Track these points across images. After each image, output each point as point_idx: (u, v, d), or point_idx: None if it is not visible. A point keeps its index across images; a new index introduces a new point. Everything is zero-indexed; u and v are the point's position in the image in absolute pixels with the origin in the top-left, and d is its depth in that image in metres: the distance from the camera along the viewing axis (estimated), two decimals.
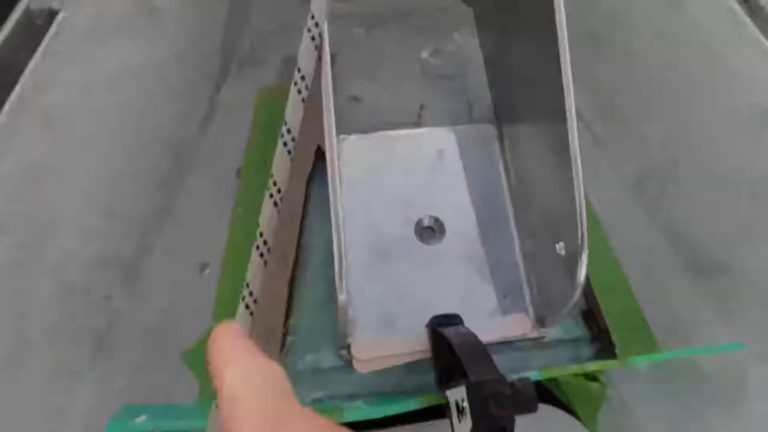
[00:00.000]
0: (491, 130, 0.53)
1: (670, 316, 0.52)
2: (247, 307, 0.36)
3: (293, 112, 0.38)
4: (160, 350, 0.48)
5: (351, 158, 0.51)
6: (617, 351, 0.47)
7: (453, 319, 0.45)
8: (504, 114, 0.52)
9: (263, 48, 0.65)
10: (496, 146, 0.52)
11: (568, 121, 0.39)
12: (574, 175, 0.40)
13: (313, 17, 0.38)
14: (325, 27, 0.39)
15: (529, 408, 0.31)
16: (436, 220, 0.49)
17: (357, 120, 0.53)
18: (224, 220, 0.51)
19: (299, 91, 0.37)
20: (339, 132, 0.53)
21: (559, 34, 0.39)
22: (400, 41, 0.58)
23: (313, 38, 0.38)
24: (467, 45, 0.58)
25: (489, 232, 0.49)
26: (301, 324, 0.47)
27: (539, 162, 0.46)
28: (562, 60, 0.39)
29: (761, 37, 0.45)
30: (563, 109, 0.39)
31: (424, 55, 0.58)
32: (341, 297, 0.38)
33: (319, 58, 0.39)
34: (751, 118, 0.47)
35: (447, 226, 0.49)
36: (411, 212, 0.49)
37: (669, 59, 0.50)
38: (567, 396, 0.51)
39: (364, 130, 0.53)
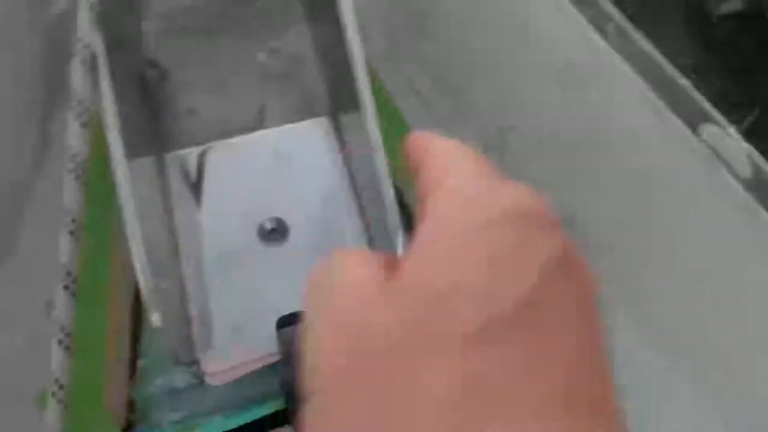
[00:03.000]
0: (327, 123, 0.53)
1: None
2: (63, 345, 0.36)
3: (77, 137, 0.37)
4: None
5: (182, 174, 0.50)
6: None
7: (300, 318, 0.45)
8: (339, 105, 0.52)
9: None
10: (334, 139, 0.52)
11: (362, 108, 0.40)
12: (378, 162, 0.41)
13: (80, 40, 0.37)
14: (100, 48, 0.38)
15: None
16: (279, 221, 0.49)
17: (193, 133, 0.52)
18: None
19: (77, 116, 0.37)
20: (176, 147, 0.52)
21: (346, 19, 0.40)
22: (235, 47, 0.57)
23: (83, 61, 0.37)
24: (301, 41, 0.57)
25: (334, 225, 0.49)
26: (151, 347, 0.46)
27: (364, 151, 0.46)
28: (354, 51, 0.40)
29: None
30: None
31: (260, 57, 0.57)
32: (154, 318, 0.37)
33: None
34: (563, 75, 0.48)
35: (290, 226, 0.49)
36: (252, 217, 0.49)
37: (482, 26, 0.50)
38: None
39: (200, 142, 0.52)
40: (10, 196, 0.53)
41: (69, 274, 0.36)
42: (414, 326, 0.15)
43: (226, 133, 0.53)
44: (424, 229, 0.18)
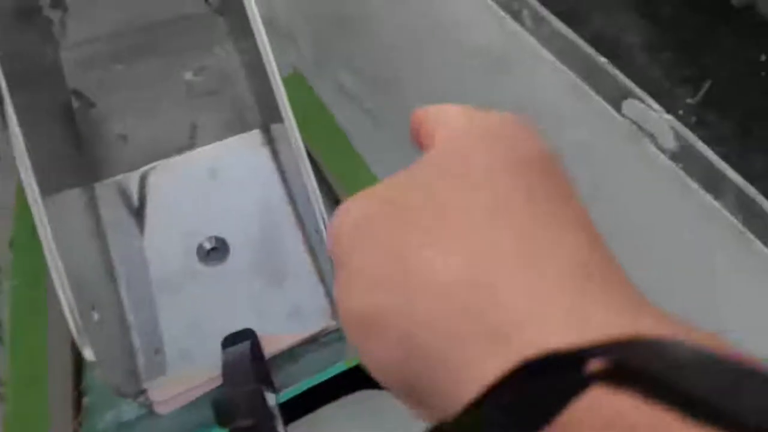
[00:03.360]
0: (259, 136, 0.52)
1: None
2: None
3: None
4: None
5: (116, 201, 0.49)
6: None
7: (245, 336, 0.45)
8: (270, 117, 0.52)
9: None
10: (267, 151, 0.52)
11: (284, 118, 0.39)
12: (303, 171, 0.40)
13: None
14: (4, 86, 0.37)
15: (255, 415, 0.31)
16: (218, 239, 0.48)
17: (125, 159, 0.51)
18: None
19: None
20: (109, 175, 0.51)
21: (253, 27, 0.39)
22: (162, 68, 0.56)
23: None
24: (228, 57, 0.57)
25: (274, 237, 0.49)
26: (96, 383, 0.45)
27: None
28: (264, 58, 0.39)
29: None
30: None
31: (187, 76, 0.56)
32: (87, 353, 0.36)
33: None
34: (485, 62, 0.48)
35: (230, 243, 0.48)
36: (190, 238, 0.48)
37: (403, 24, 0.50)
38: None
39: (132, 168, 0.51)
40: None
41: None
42: (440, 169, 0.19)
43: (160, 156, 0.52)
44: (439, 137, 0.21)
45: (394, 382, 0.18)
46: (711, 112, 1.73)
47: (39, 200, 0.36)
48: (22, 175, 0.36)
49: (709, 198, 0.42)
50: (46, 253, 0.36)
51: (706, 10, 1.91)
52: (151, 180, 0.51)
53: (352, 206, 0.19)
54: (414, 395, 0.17)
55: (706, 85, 1.76)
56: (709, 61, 1.84)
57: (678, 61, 2.11)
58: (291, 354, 0.46)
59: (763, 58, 1.81)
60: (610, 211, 0.47)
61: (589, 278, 0.16)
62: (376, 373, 0.18)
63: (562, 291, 0.15)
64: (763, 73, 1.75)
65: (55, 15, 0.52)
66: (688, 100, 1.76)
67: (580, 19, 1.91)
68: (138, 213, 0.50)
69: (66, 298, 0.36)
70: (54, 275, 0.36)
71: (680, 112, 1.71)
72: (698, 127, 1.65)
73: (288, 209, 0.49)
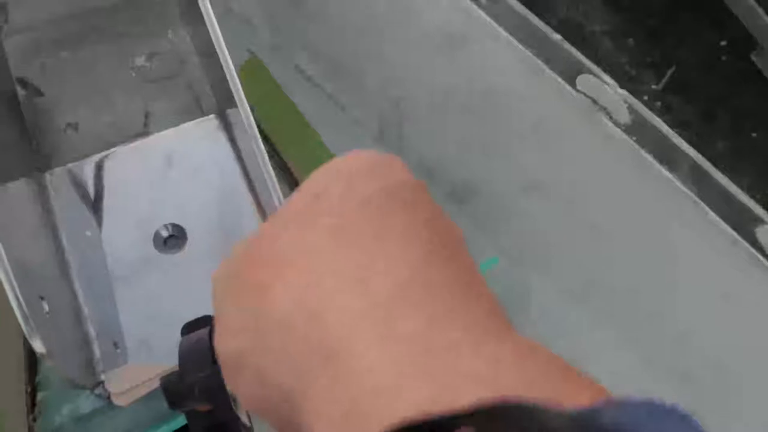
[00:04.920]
0: (215, 121, 0.51)
1: None
2: None
3: None
4: None
5: (69, 190, 0.48)
6: None
7: (204, 322, 0.44)
8: (225, 102, 0.51)
9: None
10: (223, 136, 0.51)
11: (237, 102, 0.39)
12: (259, 157, 0.40)
13: None
14: None
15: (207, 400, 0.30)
16: (175, 226, 0.47)
17: (76, 148, 0.50)
18: None
19: None
20: (59, 164, 0.50)
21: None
22: (111, 54, 0.55)
23: None
24: (181, 42, 0.56)
25: (233, 223, 0.48)
26: (51, 377, 0.44)
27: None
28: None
29: None
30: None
31: (139, 61, 0.55)
32: (36, 345, 0.35)
33: None
34: (442, 40, 0.48)
35: (188, 229, 0.47)
36: (147, 226, 0.47)
37: (361, 4, 0.50)
38: None
39: (84, 156, 0.50)
40: None
41: None
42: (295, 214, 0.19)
43: (113, 143, 0.51)
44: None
45: (266, 417, 0.18)
46: (675, 97, 1.76)
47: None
48: None
49: (663, 170, 0.43)
50: None
51: None
52: (104, 168, 0.49)
53: (225, 263, 0.21)
54: (287, 428, 0.18)
55: (670, 71, 1.79)
56: (672, 47, 1.87)
57: (641, 47, 2.14)
58: None
59: (723, 42, 1.84)
60: (567, 185, 0.48)
61: (434, 298, 0.16)
62: (253, 412, 0.19)
63: (396, 314, 0.15)
64: (723, 58, 1.79)
65: None
66: (653, 86, 1.79)
67: (545, 6, 1.93)
68: (93, 202, 0.49)
69: (12, 289, 0.34)
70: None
71: (645, 97, 1.73)
72: (663, 112, 1.67)
73: (247, 195, 0.48)
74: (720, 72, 1.75)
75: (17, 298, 0.35)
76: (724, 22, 1.77)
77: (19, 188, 0.44)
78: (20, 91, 0.51)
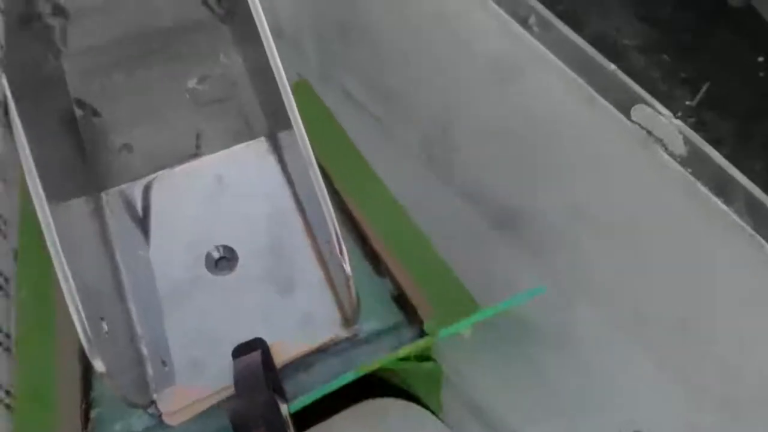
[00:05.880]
0: (266, 143, 0.52)
1: (487, 275, 0.53)
2: (2, 404, 0.34)
3: None
4: None
5: (122, 211, 0.49)
6: (433, 324, 0.47)
7: (255, 345, 0.44)
8: (276, 124, 0.52)
9: None
10: (274, 159, 0.51)
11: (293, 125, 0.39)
12: (314, 180, 0.40)
13: None
14: (9, 94, 0.37)
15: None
16: (226, 248, 0.48)
17: (130, 169, 0.51)
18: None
19: None
20: (114, 184, 0.51)
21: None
22: (165, 76, 0.56)
23: None
24: (234, 64, 0.57)
25: (283, 245, 0.49)
26: (105, 393, 0.45)
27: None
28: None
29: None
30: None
31: (191, 84, 0.56)
32: (97, 364, 0.36)
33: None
34: (492, 67, 0.48)
35: (239, 251, 0.48)
36: (198, 247, 0.48)
37: (411, 32, 0.50)
38: (407, 382, 0.51)
39: (137, 177, 0.51)
40: None
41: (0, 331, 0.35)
42: None
43: (165, 165, 0.52)
44: None
45: None
46: (710, 113, 1.73)
47: (46, 209, 0.36)
48: (29, 184, 0.36)
49: (719, 202, 0.42)
50: (55, 262, 0.35)
51: (703, 12, 1.91)
52: (156, 189, 0.51)
53: None
54: None
55: (705, 86, 1.76)
56: (707, 63, 1.84)
57: (676, 63, 2.11)
58: (302, 363, 0.46)
59: (760, 59, 1.81)
60: (618, 215, 0.47)
61: None
62: None
63: None
64: (761, 74, 1.76)
65: (55, 23, 0.52)
66: (687, 102, 1.76)
67: (577, 20, 1.91)
68: (143, 222, 0.50)
69: (76, 310, 0.35)
70: (63, 286, 0.35)
71: (679, 113, 1.70)
72: (697, 128, 1.64)
73: (297, 217, 0.49)
74: (757, 89, 1.72)
75: (81, 319, 0.36)
76: (762, 38, 1.74)
77: (80, 207, 0.45)
78: (78, 112, 0.53)
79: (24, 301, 0.49)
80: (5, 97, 0.36)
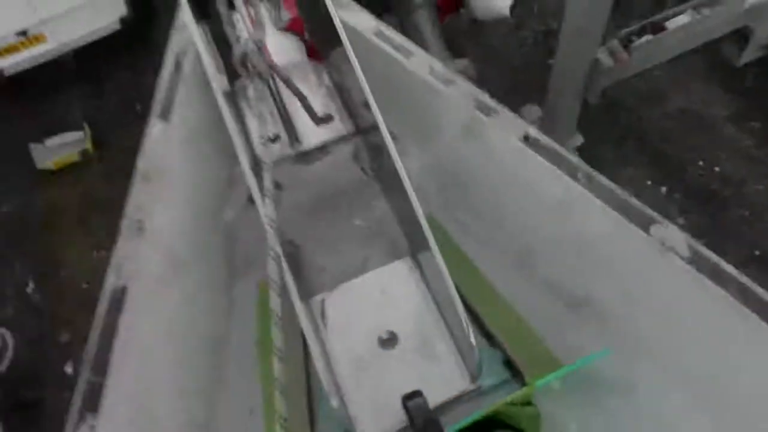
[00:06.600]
0: (410, 261, 0.79)
1: (564, 344, 0.75)
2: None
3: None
4: None
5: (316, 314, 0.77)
6: (527, 380, 0.70)
7: (417, 395, 0.69)
8: (416, 247, 0.79)
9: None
10: (417, 273, 0.78)
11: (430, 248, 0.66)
12: (448, 287, 0.66)
13: (271, 249, 0.65)
14: (275, 243, 0.66)
15: None
16: (391, 332, 0.74)
17: (324, 283, 0.80)
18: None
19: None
20: (313, 294, 0.80)
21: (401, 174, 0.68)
22: (339, 219, 0.85)
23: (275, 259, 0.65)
24: (383, 207, 0.85)
25: (428, 336, 0.74)
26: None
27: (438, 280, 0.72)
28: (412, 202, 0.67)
29: (539, 157, 0.71)
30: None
31: (357, 222, 0.85)
32: (334, 401, 0.62)
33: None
34: (552, 203, 0.73)
35: (399, 335, 0.74)
36: (372, 332, 0.75)
37: (498, 186, 0.77)
38: (516, 422, 0.74)
39: (329, 289, 0.79)
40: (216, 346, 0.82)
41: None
42: None
43: (342, 281, 0.80)
44: None
45: None
46: None
47: (299, 304, 0.64)
48: (288, 281, 0.65)
49: (719, 288, 0.63)
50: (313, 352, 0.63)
51: None
52: (335, 300, 0.78)
53: None
54: None
55: None
56: None
57: (767, 129, 2.20)
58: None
59: None
60: (643, 308, 0.69)
61: None
62: None
63: None
64: None
65: (274, 194, 0.84)
66: None
67: (661, 98, 2.07)
68: (323, 321, 0.78)
69: (323, 371, 0.63)
70: (314, 355, 0.63)
71: None
72: None
73: (437, 317, 0.74)
74: None
75: (326, 374, 0.63)
76: None
77: (303, 309, 0.74)
78: (288, 248, 0.83)
79: (265, 375, 0.78)
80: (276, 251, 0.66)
